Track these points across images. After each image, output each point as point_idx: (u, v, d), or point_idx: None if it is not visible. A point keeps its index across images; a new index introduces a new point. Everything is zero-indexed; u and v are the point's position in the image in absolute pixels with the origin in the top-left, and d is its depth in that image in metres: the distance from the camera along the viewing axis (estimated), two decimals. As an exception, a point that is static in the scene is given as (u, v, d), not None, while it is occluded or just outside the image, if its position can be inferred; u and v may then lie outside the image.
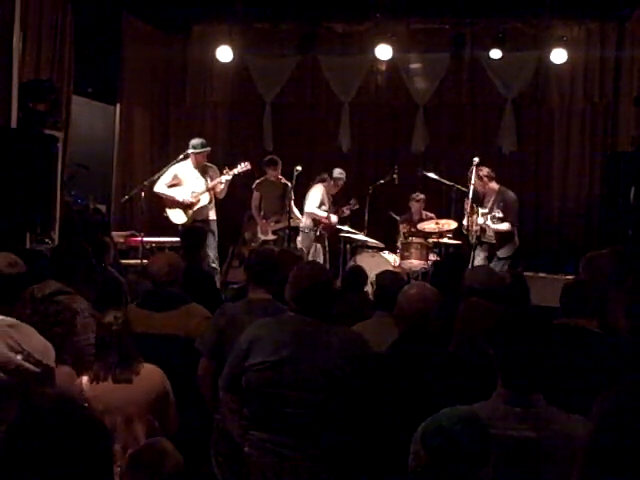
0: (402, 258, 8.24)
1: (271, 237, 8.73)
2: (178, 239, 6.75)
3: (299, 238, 8.75)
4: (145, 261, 7.63)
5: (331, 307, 3.29)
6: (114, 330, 3.37)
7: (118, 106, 9.61)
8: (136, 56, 9.65)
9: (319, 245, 8.78)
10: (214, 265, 8.07)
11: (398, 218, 8.77)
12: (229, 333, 3.56)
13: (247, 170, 8.21)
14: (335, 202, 8.93)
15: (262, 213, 8.87)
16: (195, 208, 8.04)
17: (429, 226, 8.39)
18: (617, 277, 4.33)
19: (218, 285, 7.53)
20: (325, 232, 8.79)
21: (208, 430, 3.67)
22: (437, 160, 9.70)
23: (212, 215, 8.19)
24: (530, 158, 9.92)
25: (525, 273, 5.83)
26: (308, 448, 3.09)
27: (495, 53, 9.19)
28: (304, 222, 8.77)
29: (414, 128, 9.94)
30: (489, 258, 7.76)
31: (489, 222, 7.52)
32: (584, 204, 9.64)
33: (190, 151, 8.04)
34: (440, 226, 8.30)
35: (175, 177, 8.09)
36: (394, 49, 9.09)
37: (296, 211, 8.72)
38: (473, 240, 7.68)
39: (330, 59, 10.02)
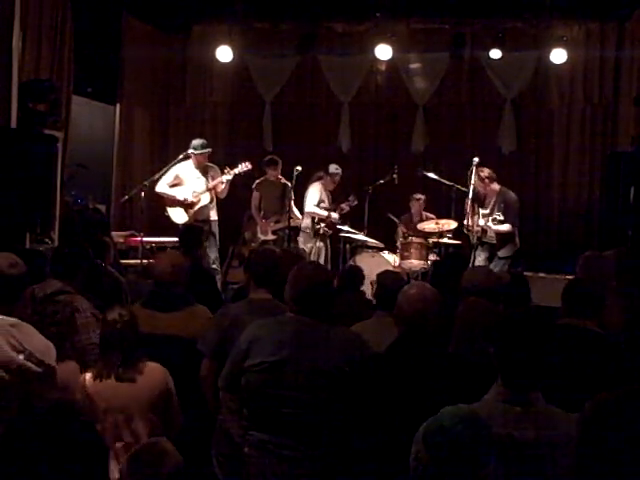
0: (402, 258, 8.24)
1: (271, 237, 8.72)
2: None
3: (300, 238, 8.75)
4: (145, 261, 7.66)
5: (330, 308, 3.28)
6: (118, 328, 3.37)
7: (118, 106, 9.61)
8: (136, 56, 9.65)
9: (321, 244, 8.77)
10: (214, 266, 8.07)
11: (397, 220, 8.77)
12: (231, 333, 3.55)
13: (248, 170, 8.22)
14: (334, 199, 8.93)
15: (262, 213, 8.87)
16: (196, 208, 8.06)
17: (429, 226, 8.39)
18: (615, 276, 4.34)
19: (218, 285, 7.55)
20: (327, 230, 8.78)
21: (210, 430, 3.67)
22: (437, 160, 9.69)
23: (213, 215, 8.20)
24: (530, 158, 9.92)
25: (525, 273, 5.85)
26: (308, 448, 3.08)
27: (495, 53, 9.20)
28: (304, 222, 8.78)
29: (414, 128, 9.94)
30: (490, 258, 7.77)
31: (490, 224, 7.53)
32: (584, 204, 9.64)
33: (190, 152, 8.05)
34: (440, 226, 8.30)
35: (176, 177, 8.11)
36: (394, 49, 9.09)
37: (296, 211, 8.72)
38: (474, 240, 7.68)
39: (330, 59, 10.03)
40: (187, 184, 8.10)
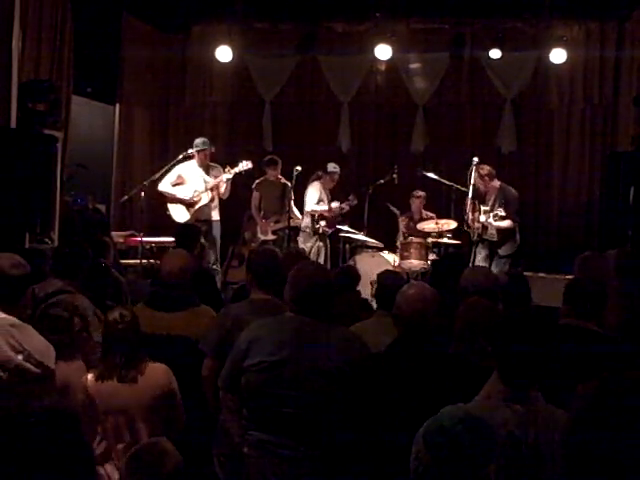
0: (402, 258, 8.24)
1: (271, 237, 8.73)
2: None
3: (300, 237, 8.75)
4: (145, 261, 7.66)
5: (330, 308, 3.28)
6: (120, 329, 3.36)
7: (118, 106, 9.61)
8: (136, 56, 9.65)
9: (320, 244, 8.77)
10: (214, 266, 8.08)
11: (397, 212, 8.77)
12: (233, 333, 3.54)
13: (249, 169, 8.24)
14: (333, 199, 8.93)
15: (262, 213, 8.87)
16: (196, 207, 8.09)
17: (429, 226, 8.39)
18: (616, 276, 4.34)
19: (219, 285, 7.55)
20: (327, 229, 8.78)
21: (211, 430, 3.67)
22: (437, 160, 9.69)
23: (215, 215, 8.23)
24: (530, 158, 9.91)
25: (525, 273, 5.83)
26: (307, 448, 3.09)
27: (495, 53, 9.19)
28: (304, 221, 8.78)
29: (414, 128, 9.93)
30: (490, 256, 7.78)
31: (491, 220, 7.55)
32: (584, 204, 9.64)
33: (191, 150, 8.10)
34: (440, 226, 8.30)
35: (179, 176, 8.17)
36: (394, 49, 9.09)
37: (296, 211, 8.72)
38: (474, 237, 7.71)
39: (330, 59, 10.02)
40: (189, 183, 8.15)
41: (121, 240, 8.31)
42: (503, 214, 7.49)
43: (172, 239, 7.90)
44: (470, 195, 7.70)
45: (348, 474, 3.06)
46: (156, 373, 3.40)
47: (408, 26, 9.71)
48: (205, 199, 8.08)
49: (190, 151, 8.12)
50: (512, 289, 4.34)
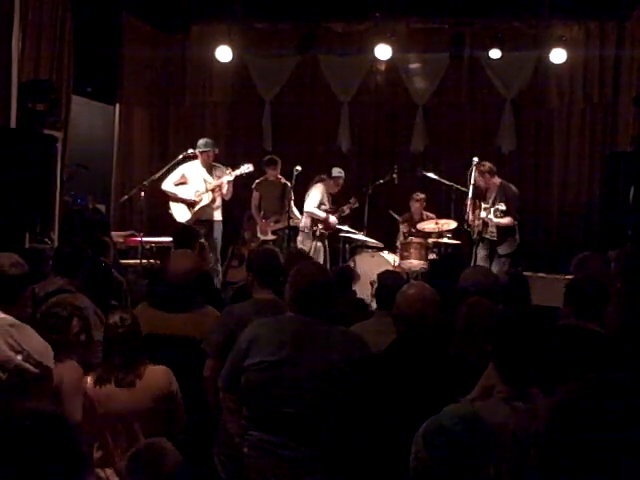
0: (402, 258, 8.24)
1: (270, 237, 8.72)
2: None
3: (299, 238, 8.75)
4: (145, 261, 7.67)
5: (330, 307, 3.28)
6: (120, 332, 3.35)
7: (117, 106, 9.61)
8: (136, 56, 9.65)
9: (319, 244, 8.77)
10: (215, 267, 8.09)
11: (399, 218, 8.77)
12: (237, 334, 3.54)
13: (250, 172, 8.27)
14: (335, 201, 8.93)
15: (262, 213, 8.87)
16: (197, 207, 8.11)
17: (429, 226, 8.39)
18: (620, 276, 4.34)
19: (219, 286, 7.56)
20: (324, 232, 8.79)
21: (211, 430, 3.67)
22: (437, 160, 9.69)
23: (217, 216, 8.27)
24: (529, 158, 9.91)
25: (525, 273, 5.83)
26: (307, 449, 3.08)
27: (494, 53, 9.19)
28: (303, 222, 8.78)
29: (414, 128, 9.93)
30: (490, 255, 7.79)
31: (491, 216, 7.57)
32: (584, 204, 9.64)
33: (191, 150, 8.14)
34: (440, 226, 8.30)
35: (183, 176, 8.22)
36: (393, 49, 9.08)
37: (296, 211, 8.72)
38: (474, 235, 7.73)
39: (330, 59, 10.01)
40: (192, 183, 8.19)
41: (121, 240, 8.30)
42: (503, 208, 7.52)
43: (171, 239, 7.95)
44: (470, 195, 7.70)
45: (348, 474, 3.06)
46: (156, 375, 3.40)
47: (408, 26, 9.71)
48: (206, 200, 8.10)
49: (190, 151, 8.15)
50: (512, 289, 4.34)
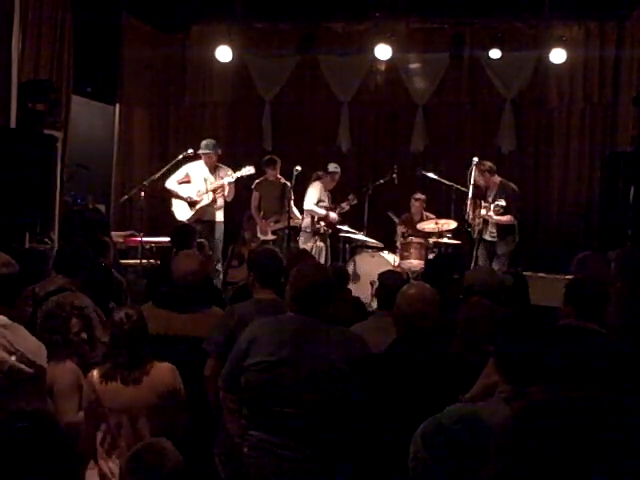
0: (401, 258, 8.24)
1: (270, 237, 8.73)
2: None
3: (300, 237, 8.74)
4: (145, 261, 7.67)
5: (331, 307, 3.28)
6: (125, 329, 3.36)
7: (117, 106, 9.61)
8: (136, 56, 9.65)
9: (321, 244, 8.77)
10: (217, 267, 8.11)
11: (396, 220, 8.76)
12: (238, 333, 3.54)
13: (251, 174, 8.31)
14: (333, 199, 8.93)
15: (262, 213, 8.87)
16: (197, 207, 8.14)
17: (429, 226, 8.39)
18: (620, 276, 4.33)
19: (219, 286, 7.56)
20: (327, 229, 8.79)
21: (212, 430, 3.67)
22: (437, 160, 9.69)
23: (219, 216, 8.32)
24: (529, 158, 9.90)
25: (525, 273, 5.83)
26: (307, 449, 3.08)
27: (494, 53, 9.19)
28: (304, 221, 8.78)
29: (414, 128, 9.93)
30: (490, 256, 7.79)
31: (491, 213, 7.58)
32: (584, 204, 9.64)
33: (192, 151, 8.18)
34: (440, 226, 8.30)
35: (187, 175, 8.28)
36: (393, 49, 9.08)
37: (296, 211, 8.72)
38: (475, 235, 7.74)
39: (330, 59, 10.01)
40: (194, 182, 8.25)
41: (121, 240, 8.31)
42: (503, 204, 7.53)
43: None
44: (470, 194, 7.71)
45: (348, 474, 3.06)
46: (161, 372, 3.41)
47: (408, 26, 9.71)
48: (206, 200, 8.14)
49: (190, 151, 8.19)
50: (511, 289, 4.34)
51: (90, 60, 8.54)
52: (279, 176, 8.72)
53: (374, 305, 5.70)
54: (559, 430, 1.95)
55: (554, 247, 9.41)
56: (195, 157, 8.27)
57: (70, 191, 7.69)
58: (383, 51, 9.09)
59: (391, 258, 8.33)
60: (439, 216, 8.58)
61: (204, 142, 8.27)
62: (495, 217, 7.64)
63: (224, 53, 9.15)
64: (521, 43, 9.49)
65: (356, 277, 8.12)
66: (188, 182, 8.27)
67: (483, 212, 7.68)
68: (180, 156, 8.17)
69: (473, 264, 7.63)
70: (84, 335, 3.67)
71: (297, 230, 8.73)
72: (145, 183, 7.97)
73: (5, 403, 2.94)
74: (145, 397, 3.33)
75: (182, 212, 8.23)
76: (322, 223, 8.71)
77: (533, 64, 9.54)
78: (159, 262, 7.49)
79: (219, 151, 8.33)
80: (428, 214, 8.75)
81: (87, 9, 8.30)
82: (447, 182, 8.54)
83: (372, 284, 7.25)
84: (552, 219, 9.83)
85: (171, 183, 8.25)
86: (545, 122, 9.87)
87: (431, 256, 8.19)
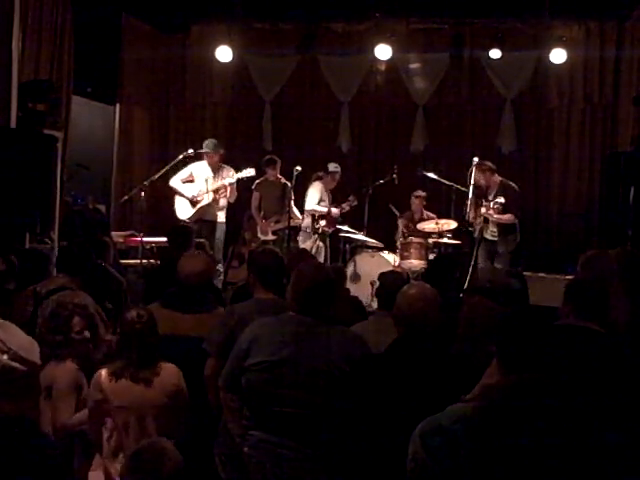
0: (402, 258, 8.24)
1: (271, 237, 8.73)
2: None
3: (300, 237, 8.75)
4: (145, 261, 7.67)
5: (331, 307, 3.28)
6: (137, 328, 3.38)
7: (118, 106, 9.61)
8: (136, 56, 9.65)
9: (321, 244, 8.77)
10: (218, 267, 8.11)
11: (398, 213, 8.76)
12: (238, 333, 3.54)
13: (251, 176, 8.34)
14: (333, 199, 8.93)
15: (262, 213, 8.87)
16: (198, 207, 8.16)
17: (429, 226, 8.39)
18: (620, 276, 4.32)
19: (220, 286, 7.56)
20: (327, 229, 8.79)
21: (212, 430, 3.67)
22: (437, 160, 9.69)
23: (221, 217, 8.35)
24: (530, 158, 9.91)
25: (525, 273, 5.82)
26: (308, 449, 3.09)
27: (494, 53, 9.19)
28: (305, 221, 8.78)
29: (414, 128, 9.93)
30: (491, 255, 7.79)
31: (491, 211, 7.58)
32: (584, 204, 9.64)
33: (192, 151, 8.19)
34: (440, 226, 8.30)
35: (191, 174, 8.31)
36: (394, 49, 9.09)
37: (296, 211, 8.73)
38: (476, 234, 7.74)
39: (330, 59, 10.02)
40: (197, 182, 8.28)
41: (121, 240, 8.31)
42: (502, 201, 7.53)
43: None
44: (470, 194, 7.71)
45: (348, 474, 3.05)
46: (169, 373, 3.42)
47: (408, 26, 9.71)
48: (206, 200, 8.16)
49: (190, 151, 8.19)
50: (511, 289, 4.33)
51: (90, 60, 8.55)
52: (279, 176, 8.72)
53: (374, 305, 5.69)
54: (502, 434, 1.98)
55: (554, 247, 9.42)
56: (197, 157, 8.29)
57: (70, 191, 7.69)
58: (383, 51, 9.10)
59: (391, 258, 8.33)
60: (439, 216, 8.59)
61: (206, 142, 8.31)
62: (495, 216, 7.65)
63: (224, 53, 9.15)
64: (521, 43, 9.49)
65: (356, 277, 8.13)
66: (192, 181, 8.31)
67: (483, 210, 7.69)
68: (180, 156, 8.17)
69: (473, 263, 7.64)
70: (87, 334, 3.68)
71: (297, 230, 8.74)
72: (145, 183, 7.97)
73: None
74: (154, 396, 3.34)
75: (184, 211, 8.26)
76: (322, 223, 8.71)
77: (533, 64, 9.54)
78: (159, 262, 7.49)
79: (221, 151, 8.34)
80: (429, 213, 8.76)
81: (87, 9, 8.31)
82: (447, 182, 8.54)
83: (372, 284, 7.25)
84: (552, 219, 9.84)
85: (175, 182, 8.29)
86: (545, 122, 9.88)
87: (431, 256, 8.20)
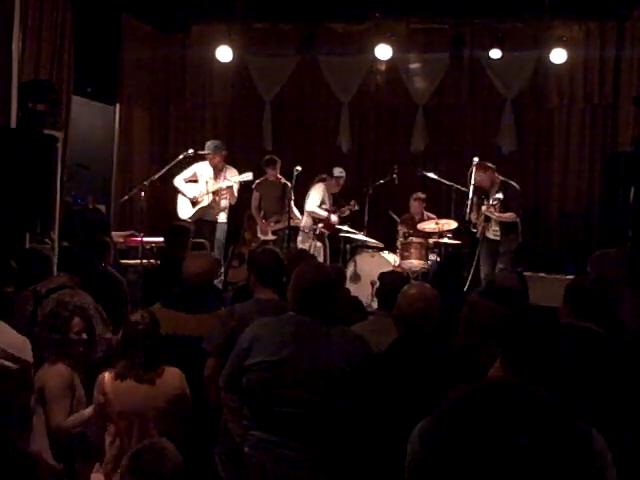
0: (402, 258, 8.24)
1: (271, 237, 8.73)
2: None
3: (299, 238, 8.75)
4: (145, 261, 7.67)
5: (332, 307, 3.28)
6: (140, 330, 3.38)
7: (118, 106, 9.61)
8: (136, 56, 9.65)
9: (320, 244, 8.77)
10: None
11: (398, 219, 8.76)
12: (238, 333, 3.54)
13: (248, 180, 8.41)
14: (335, 203, 8.93)
15: (262, 213, 8.88)
16: (197, 207, 8.18)
17: (429, 226, 8.39)
18: (629, 276, 4.32)
19: (220, 286, 7.56)
20: (325, 231, 8.80)
21: (212, 430, 3.67)
22: (437, 160, 9.69)
23: (222, 218, 8.41)
24: (530, 158, 9.91)
25: (525, 273, 5.84)
26: (308, 448, 3.09)
27: (494, 53, 9.19)
28: (304, 222, 8.78)
29: (414, 128, 9.93)
30: (493, 255, 7.80)
31: (492, 209, 7.59)
32: (584, 204, 9.63)
33: (192, 151, 8.23)
34: (440, 226, 8.30)
35: (194, 174, 8.40)
36: (394, 49, 9.09)
37: (296, 211, 8.73)
38: (478, 234, 7.75)
39: (330, 59, 10.01)
40: (200, 182, 8.37)
41: (121, 240, 8.31)
42: (501, 197, 7.54)
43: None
44: (471, 195, 7.71)
45: (348, 474, 3.05)
46: (172, 376, 3.43)
47: (408, 26, 9.71)
48: (206, 201, 8.21)
49: (190, 151, 8.24)
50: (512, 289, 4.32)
51: (90, 60, 8.54)
52: (279, 176, 8.72)
53: (374, 305, 5.69)
54: (501, 434, 1.98)
55: (554, 247, 9.41)
56: (196, 157, 8.31)
57: (70, 191, 7.69)
58: (383, 51, 9.10)
59: (391, 258, 8.33)
60: (439, 216, 8.59)
61: (208, 143, 8.39)
62: (496, 214, 7.64)
63: (224, 53, 9.15)
64: (521, 43, 9.48)
65: (356, 277, 8.13)
66: (196, 181, 8.39)
67: (484, 209, 7.69)
68: (180, 156, 8.20)
69: (475, 263, 7.65)
70: (84, 336, 3.68)
71: (298, 230, 8.74)
72: (145, 183, 7.98)
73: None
74: (157, 398, 3.35)
75: (185, 210, 8.33)
76: (320, 225, 8.72)
77: (533, 64, 9.54)
78: (157, 262, 7.50)
79: (224, 152, 8.37)
80: (429, 214, 8.75)
81: (87, 9, 8.31)
82: (447, 182, 8.54)
83: (372, 284, 7.25)
84: (552, 219, 9.83)
85: (178, 181, 8.37)
86: (545, 122, 9.87)
87: (432, 256, 8.20)
